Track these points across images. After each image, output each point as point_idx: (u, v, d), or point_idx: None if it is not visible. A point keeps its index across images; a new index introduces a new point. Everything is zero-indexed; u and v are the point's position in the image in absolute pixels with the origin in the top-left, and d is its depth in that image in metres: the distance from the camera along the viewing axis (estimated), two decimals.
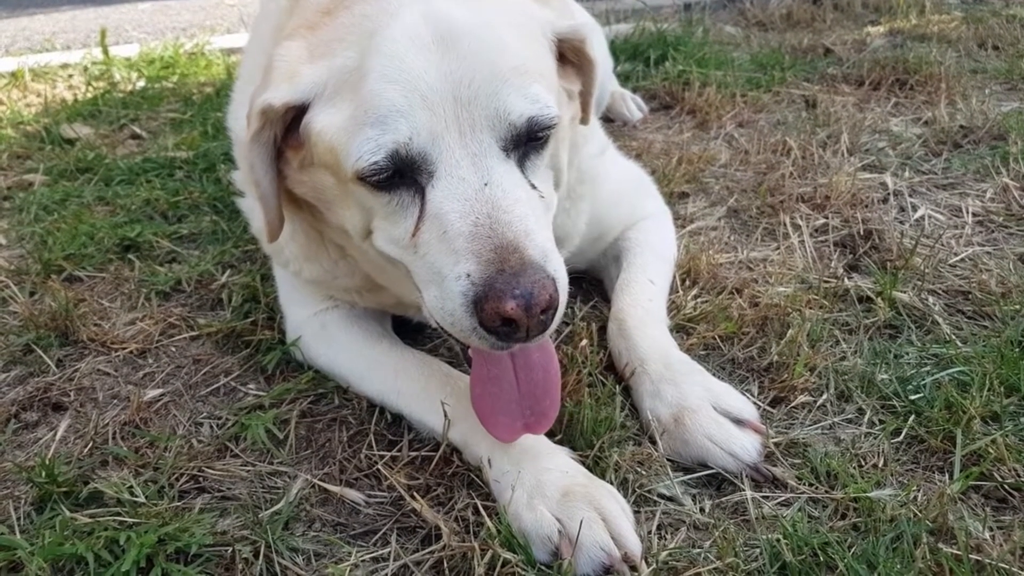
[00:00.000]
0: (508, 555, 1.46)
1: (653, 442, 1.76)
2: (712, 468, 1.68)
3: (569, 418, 1.78)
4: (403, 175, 1.46)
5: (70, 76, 4.47)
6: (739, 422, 1.72)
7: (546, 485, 1.54)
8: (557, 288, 1.40)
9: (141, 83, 4.33)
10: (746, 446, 1.68)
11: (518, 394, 1.59)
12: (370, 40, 1.47)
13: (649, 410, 1.79)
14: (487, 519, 1.55)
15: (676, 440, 1.72)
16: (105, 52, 4.61)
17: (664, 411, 1.76)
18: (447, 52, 1.43)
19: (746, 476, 1.66)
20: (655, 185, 2.50)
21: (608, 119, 3.67)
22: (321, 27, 1.59)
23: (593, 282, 2.32)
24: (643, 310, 1.99)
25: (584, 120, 1.85)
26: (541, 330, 1.41)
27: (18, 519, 1.63)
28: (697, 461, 1.70)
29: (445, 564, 1.50)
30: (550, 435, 1.78)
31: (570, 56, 1.71)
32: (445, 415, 1.72)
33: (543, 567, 1.46)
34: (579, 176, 1.93)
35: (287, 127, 1.59)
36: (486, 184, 1.43)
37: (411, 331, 2.14)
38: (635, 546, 1.47)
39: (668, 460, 1.72)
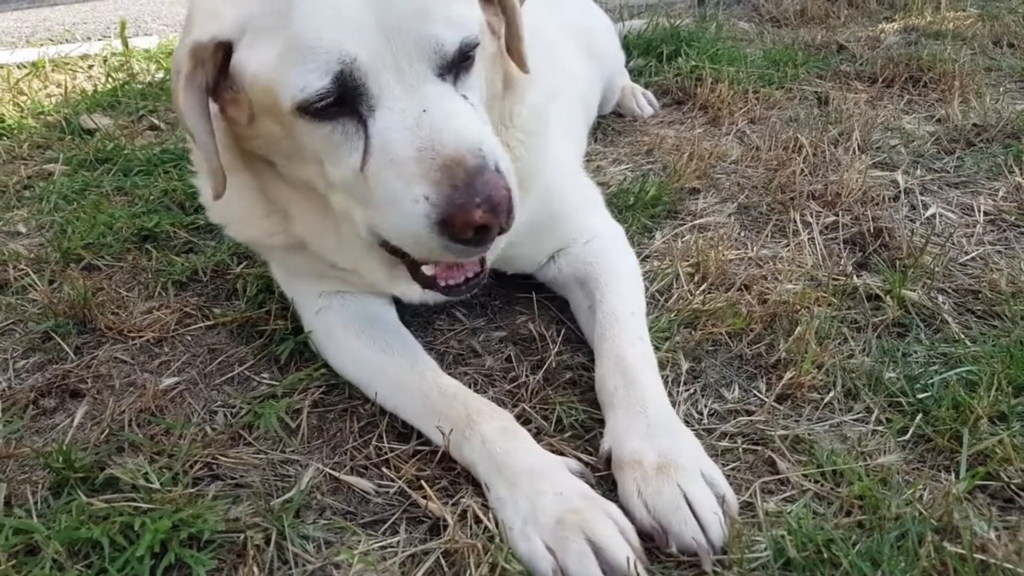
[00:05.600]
0: (506, 566, 1.47)
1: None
2: (666, 535, 1.49)
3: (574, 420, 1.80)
4: (344, 103, 1.50)
5: (90, 67, 4.51)
6: (720, 501, 1.55)
7: (540, 511, 1.51)
8: (508, 180, 1.47)
9: (160, 74, 4.36)
10: (719, 527, 1.50)
11: None
12: None
13: (635, 450, 1.62)
14: (485, 519, 1.57)
15: (650, 487, 1.54)
16: (125, 43, 4.65)
17: (651, 456, 1.60)
18: None
19: (705, 556, 1.47)
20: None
21: (619, 114, 3.69)
22: None
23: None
24: (639, 352, 1.87)
25: (519, 63, 1.84)
26: (508, 224, 1.48)
27: (35, 503, 1.66)
28: (659, 517, 1.51)
29: (453, 554, 1.52)
30: (560, 430, 1.81)
31: None
32: (444, 436, 1.73)
33: None
34: (530, 113, 1.94)
35: (218, 73, 1.60)
36: (424, 110, 1.49)
37: (420, 315, 2.17)
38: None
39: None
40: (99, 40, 5.04)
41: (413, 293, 2.05)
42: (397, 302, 2.14)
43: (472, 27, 1.56)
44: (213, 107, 1.68)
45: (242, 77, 1.57)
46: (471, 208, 1.41)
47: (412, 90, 1.49)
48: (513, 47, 1.84)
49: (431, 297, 2.09)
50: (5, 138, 3.55)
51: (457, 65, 1.56)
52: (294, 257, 2.03)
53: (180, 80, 1.57)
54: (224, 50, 1.57)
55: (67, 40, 5.17)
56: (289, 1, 1.48)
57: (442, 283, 1.73)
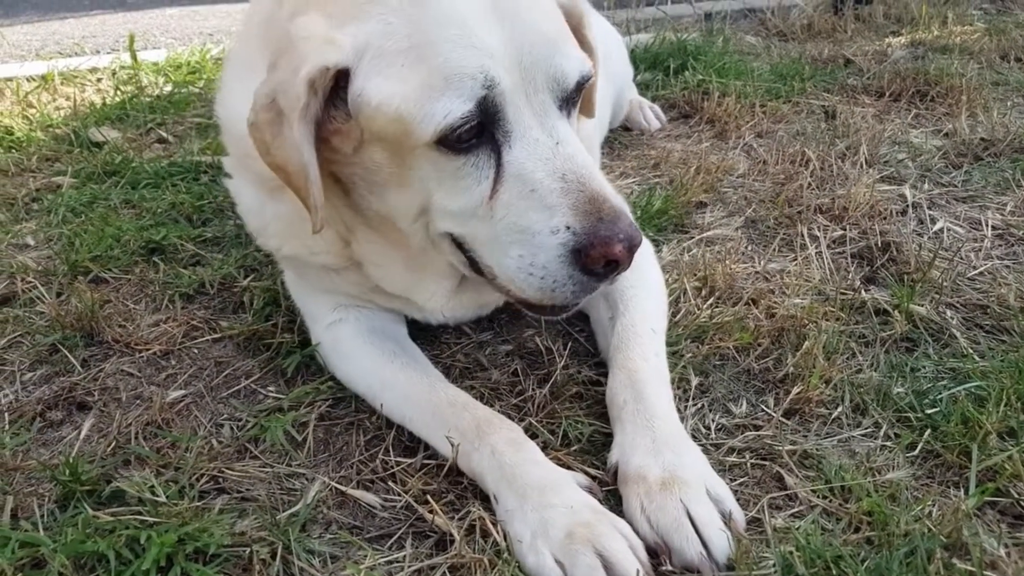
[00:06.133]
0: None
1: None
2: (671, 549, 1.50)
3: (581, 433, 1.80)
4: (482, 132, 1.54)
5: (99, 80, 4.53)
6: (726, 517, 1.55)
7: (550, 524, 1.51)
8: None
9: (168, 88, 4.38)
10: (723, 543, 1.49)
11: None
12: (421, 9, 1.52)
13: (640, 465, 1.63)
14: (494, 531, 1.57)
15: (653, 503, 1.55)
16: (133, 57, 4.67)
17: (655, 471, 1.60)
18: (504, 20, 1.54)
19: (707, 573, 1.48)
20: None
21: (626, 128, 3.69)
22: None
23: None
24: (653, 367, 1.87)
25: (588, 110, 1.90)
26: (628, 267, 1.56)
27: (42, 516, 1.66)
28: (661, 533, 1.51)
29: (459, 569, 1.52)
30: (566, 444, 1.80)
31: None
32: (452, 446, 1.72)
33: None
34: (586, 143, 1.96)
35: (324, 104, 1.58)
36: (557, 143, 1.56)
37: (428, 329, 2.18)
38: None
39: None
40: (108, 53, 5.06)
41: (434, 316, 2.08)
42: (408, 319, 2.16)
43: (588, 65, 1.63)
44: None
45: (361, 107, 1.56)
46: (614, 242, 1.48)
47: (541, 120, 1.56)
48: (586, 93, 1.83)
49: (452, 319, 2.12)
50: (14, 151, 3.57)
51: (571, 101, 1.62)
52: (327, 276, 2.03)
53: (294, 113, 1.52)
54: (336, 78, 1.56)
55: (76, 53, 5.19)
56: (426, 32, 1.51)
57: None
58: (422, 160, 1.57)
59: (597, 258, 1.49)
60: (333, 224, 1.85)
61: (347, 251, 1.91)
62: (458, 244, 1.69)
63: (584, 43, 1.78)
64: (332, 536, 1.64)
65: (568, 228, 1.50)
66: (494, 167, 1.56)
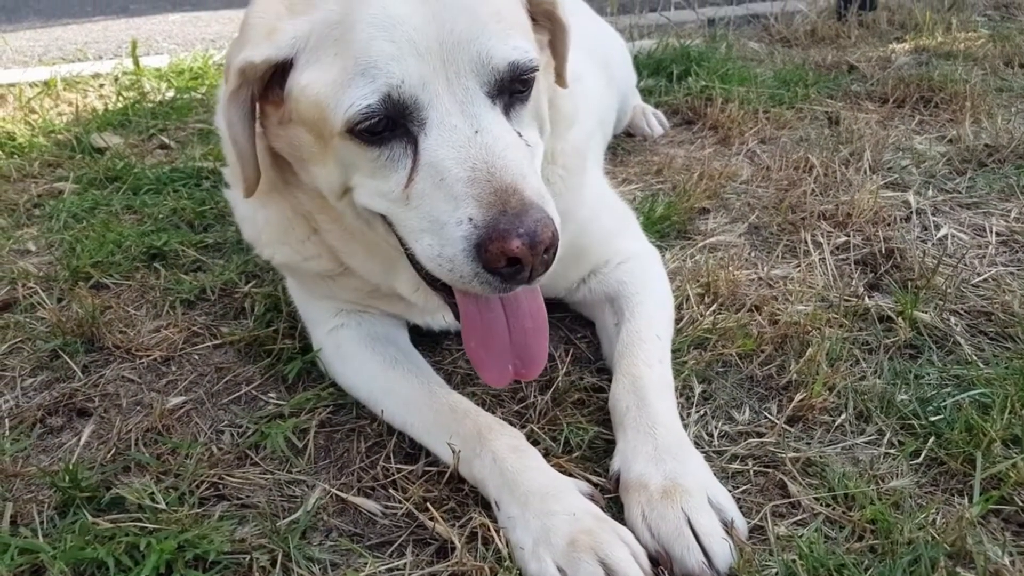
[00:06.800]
0: None
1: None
2: (672, 558, 1.49)
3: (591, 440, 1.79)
4: (395, 126, 1.50)
5: (101, 86, 4.55)
6: (728, 526, 1.53)
7: (552, 532, 1.50)
8: (556, 227, 1.44)
9: (170, 93, 4.39)
10: (725, 552, 1.48)
11: (509, 340, 1.63)
12: None
13: (642, 473, 1.62)
14: (496, 539, 1.56)
15: (655, 511, 1.54)
16: (136, 63, 4.69)
17: (657, 479, 1.59)
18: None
19: None
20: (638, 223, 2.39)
21: (629, 134, 3.69)
22: None
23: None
24: (657, 374, 1.85)
25: (560, 82, 1.86)
26: (543, 269, 1.46)
27: (41, 523, 1.66)
28: (662, 542, 1.50)
29: None
30: (568, 451, 1.79)
31: (541, 21, 1.76)
32: (454, 452, 1.71)
33: None
34: (572, 151, 1.95)
35: (266, 83, 1.61)
36: (476, 131, 1.48)
37: (429, 335, 2.18)
38: None
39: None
40: (111, 59, 5.08)
41: (435, 321, 2.07)
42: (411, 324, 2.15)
43: (526, 52, 1.54)
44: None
45: (292, 89, 1.58)
46: (511, 236, 1.38)
47: (463, 107, 1.49)
48: (556, 66, 1.84)
49: (453, 326, 2.10)
50: (16, 156, 3.58)
51: (508, 90, 1.55)
52: (324, 283, 2.02)
53: (225, 93, 1.58)
54: (275, 68, 1.58)
55: (79, 59, 5.21)
56: (352, 13, 1.49)
57: (486, 371, 1.67)
58: (341, 147, 1.55)
59: (496, 254, 1.39)
60: (298, 211, 1.87)
61: (338, 256, 1.90)
62: (389, 225, 1.65)
63: (556, 21, 1.77)
64: (332, 543, 1.63)
65: (470, 220, 1.41)
66: (411, 156, 1.51)
